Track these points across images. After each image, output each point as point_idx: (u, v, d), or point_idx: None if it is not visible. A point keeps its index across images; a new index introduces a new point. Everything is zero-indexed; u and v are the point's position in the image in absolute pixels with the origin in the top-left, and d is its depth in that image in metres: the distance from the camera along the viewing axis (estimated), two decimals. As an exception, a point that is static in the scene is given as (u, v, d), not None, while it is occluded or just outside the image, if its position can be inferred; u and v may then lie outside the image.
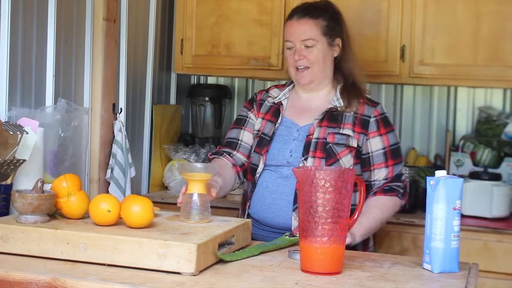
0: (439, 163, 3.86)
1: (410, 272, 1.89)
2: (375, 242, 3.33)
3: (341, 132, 2.49)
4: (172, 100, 4.10)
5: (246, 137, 2.65)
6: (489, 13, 3.42)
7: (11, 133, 2.10)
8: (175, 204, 3.27)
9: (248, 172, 2.62)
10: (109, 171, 3.20)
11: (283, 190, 2.49)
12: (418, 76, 3.52)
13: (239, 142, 2.65)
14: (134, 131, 3.66)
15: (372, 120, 2.52)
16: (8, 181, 2.12)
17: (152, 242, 1.79)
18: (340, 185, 1.80)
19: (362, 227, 2.34)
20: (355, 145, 2.49)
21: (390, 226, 3.33)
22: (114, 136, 3.25)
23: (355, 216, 1.91)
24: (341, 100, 2.54)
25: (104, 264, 1.82)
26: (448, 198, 1.88)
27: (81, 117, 3.03)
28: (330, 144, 2.47)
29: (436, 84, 3.73)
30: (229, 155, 2.63)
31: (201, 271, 1.79)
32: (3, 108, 2.57)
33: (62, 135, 2.83)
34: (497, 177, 3.44)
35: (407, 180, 2.64)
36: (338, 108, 2.53)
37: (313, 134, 2.49)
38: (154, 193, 3.70)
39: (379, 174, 2.51)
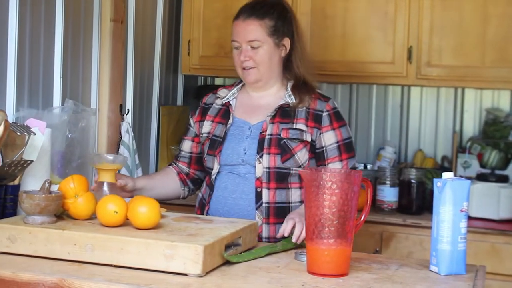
0: (446, 165, 3.85)
1: (417, 274, 1.89)
2: (381, 244, 3.35)
3: (294, 127, 2.49)
4: (179, 101, 4.11)
5: (185, 146, 2.70)
6: (497, 14, 3.41)
7: (18, 134, 2.11)
8: (182, 205, 3.30)
9: (207, 176, 2.62)
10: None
11: (243, 189, 2.49)
12: (425, 78, 3.52)
13: (180, 152, 2.72)
14: (141, 132, 3.67)
15: (324, 114, 2.52)
16: (16, 182, 2.13)
17: (159, 243, 1.79)
18: (347, 186, 1.79)
19: None
20: (309, 140, 2.48)
21: (397, 228, 3.33)
22: (121, 137, 3.26)
23: (362, 218, 1.91)
24: (293, 97, 2.54)
25: (110, 265, 1.83)
26: (455, 200, 1.87)
27: (88, 118, 3.03)
28: (285, 140, 2.47)
29: (444, 85, 3.73)
30: (175, 164, 2.71)
31: (207, 273, 1.80)
32: (11, 109, 2.58)
33: (69, 136, 2.83)
34: (504, 179, 3.44)
35: None
36: (290, 104, 2.53)
37: (266, 130, 2.49)
38: (160, 194, 3.69)
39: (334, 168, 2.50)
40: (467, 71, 3.46)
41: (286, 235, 2.23)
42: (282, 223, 2.43)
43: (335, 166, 2.49)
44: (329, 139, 2.50)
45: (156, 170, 3.77)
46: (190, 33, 3.88)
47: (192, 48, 3.88)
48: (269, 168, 2.45)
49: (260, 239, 2.42)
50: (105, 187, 2.24)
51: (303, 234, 2.20)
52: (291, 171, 2.46)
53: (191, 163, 2.68)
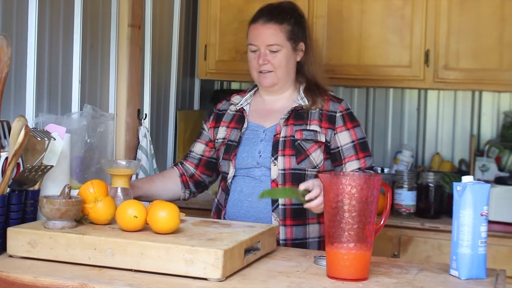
0: (464, 168, 3.84)
1: (437, 279, 1.88)
2: (400, 248, 3.34)
3: (308, 128, 2.50)
4: (196, 105, 4.12)
5: (197, 148, 2.70)
6: (514, 17, 3.40)
7: (38, 139, 2.12)
8: (200, 209, 3.31)
9: (221, 180, 2.63)
10: (134, 176, 3.21)
11: (259, 192, 2.47)
12: (443, 81, 3.51)
13: (190, 153, 2.72)
14: (158, 136, 3.69)
15: (338, 115, 2.52)
16: (36, 187, 2.14)
17: (179, 247, 1.80)
18: (367, 190, 1.79)
19: None
20: (323, 140, 2.49)
21: (415, 232, 3.32)
22: (139, 142, 3.27)
23: (382, 222, 1.91)
24: (305, 99, 2.55)
25: (131, 270, 1.83)
26: (475, 204, 1.86)
27: (107, 123, 3.05)
28: (299, 141, 2.47)
29: (461, 88, 3.72)
30: (181, 165, 2.70)
31: (227, 277, 1.80)
32: (30, 114, 2.60)
33: (88, 141, 2.85)
34: (523, 182, 3.42)
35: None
36: (303, 107, 2.54)
37: (280, 133, 2.50)
38: (178, 198, 3.70)
39: (352, 167, 2.49)
40: (484, 74, 3.45)
41: (302, 188, 2.22)
42: (299, 224, 2.45)
43: (352, 165, 2.49)
44: (344, 139, 2.50)
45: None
46: (207, 37, 3.90)
47: (209, 52, 3.89)
48: (284, 169, 2.46)
49: (277, 241, 2.43)
50: (119, 193, 2.25)
51: (321, 208, 2.19)
52: (306, 172, 2.46)
53: (199, 165, 2.68)
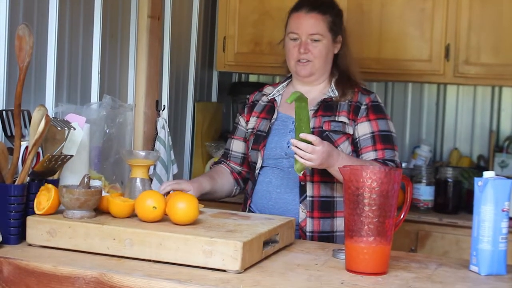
0: (482, 164, 3.81)
1: (456, 274, 1.87)
2: (417, 243, 3.32)
3: (336, 119, 2.49)
4: (214, 97, 4.12)
5: (236, 146, 2.69)
6: (536, 12, 3.37)
7: (59, 128, 2.12)
8: (216, 201, 3.31)
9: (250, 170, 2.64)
10: (151, 167, 3.21)
11: (287, 183, 2.49)
12: (463, 76, 3.48)
13: (230, 152, 2.70)
14: (176, 128, 3.69)
15: (363, 107, 2.51)
16: (55, 177, 2.15)
17: (198, 239, 1.80)
18: (387, 184, 1.78)
19: (347, 160, 2.32)
20: (351, 132, 2.48)
21: (433, 227, 3.31)
22: (157, 133, 3.27)
23: (402, 216, 1.90)
24: (336, 91, 2.55)
25: (149, 260, 1.84)
26: (496, 199, 1.85)
27: (125, 113, 3.05)
28: (327, 132, 2.46)
29: (481, 84, 3.69)
30: (226, 163, 2.70)
31: (246, 269, 1.79)
32: (50, 104, 2.61)
33: (107, 131, 2.85)
34: (542, 179, 3.39)
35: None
36: (333, 98, 2.53)
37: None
38: (195, 190, 3.70)
39: (368, 158, 2.46)
40: (505, 70, 3.42)
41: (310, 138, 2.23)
42: (326, 217, 2.45)
43: (369, 156, 2.46)
44: (362, 129, 2.48)
45: (191, 167, 3.79)
46: (226, 30, 3.89)
47: (227, 44, 3.88)
48: None
49: (303, 233, 2.43)
50: (138, 183, 2.25)
51: (306, 162, 2.23)
52: None
53: (243, 163, 2.68)
